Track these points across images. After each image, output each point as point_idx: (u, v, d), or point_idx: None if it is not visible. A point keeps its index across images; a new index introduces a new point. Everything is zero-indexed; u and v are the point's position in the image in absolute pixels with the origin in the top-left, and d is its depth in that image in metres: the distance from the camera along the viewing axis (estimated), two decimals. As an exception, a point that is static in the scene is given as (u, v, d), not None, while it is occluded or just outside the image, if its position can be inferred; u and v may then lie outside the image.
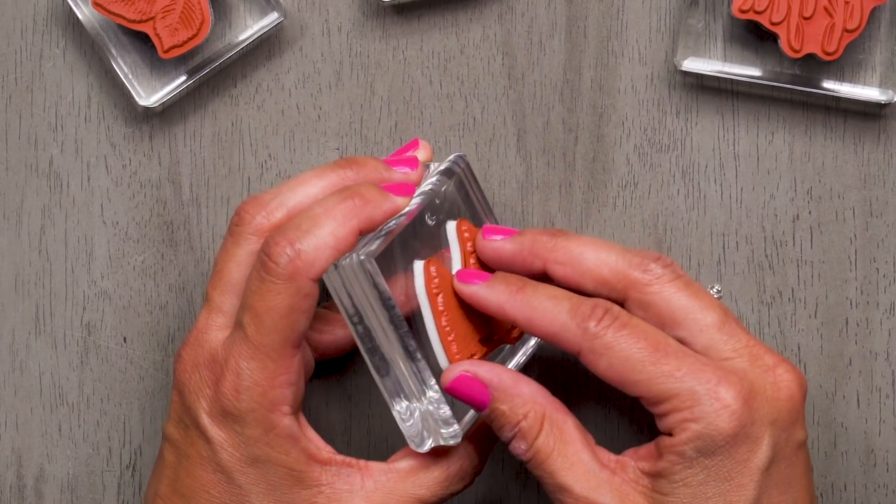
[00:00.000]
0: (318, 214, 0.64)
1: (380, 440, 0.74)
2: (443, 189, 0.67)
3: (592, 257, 0.65)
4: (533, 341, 0.71)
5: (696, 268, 0.74)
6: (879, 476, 0.74)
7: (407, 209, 0.66)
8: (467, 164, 0.69)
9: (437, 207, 0.67)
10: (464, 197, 0.69)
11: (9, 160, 0.75)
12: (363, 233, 0.64)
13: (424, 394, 0.65)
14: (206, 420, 0.64)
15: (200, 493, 0.65)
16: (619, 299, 0.64)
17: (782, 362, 0.64)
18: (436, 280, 0.65)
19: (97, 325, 0.75)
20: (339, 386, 0.75)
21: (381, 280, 0.63)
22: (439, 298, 0.65)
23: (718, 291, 0.68)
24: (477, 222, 0.70)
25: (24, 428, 0.75)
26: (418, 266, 0.65)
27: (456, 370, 0.64)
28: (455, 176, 0.68)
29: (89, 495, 0.75)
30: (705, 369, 0.62)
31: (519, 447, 0.64)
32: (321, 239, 0.63)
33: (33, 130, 0.75)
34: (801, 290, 0.74)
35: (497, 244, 0.66)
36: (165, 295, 0.75)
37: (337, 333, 0.70)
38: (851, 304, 0.74)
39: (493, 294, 0.65)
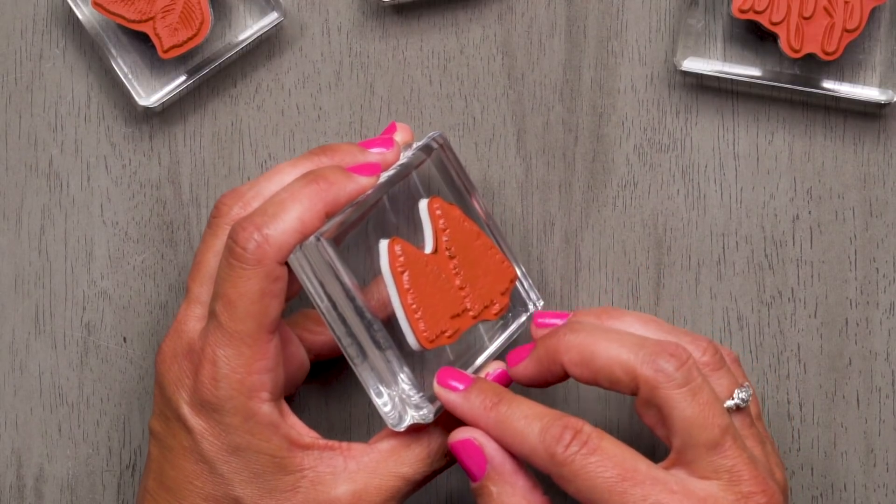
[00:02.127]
0: (283, 199, 0.64)
1: (380, 440, 0.74)
2: (417, 164, 0.68)
3: (604, 355, 0.63)
4: (514, 325, 0.70)
5: (696, 268, 0.74)
6: (879, 476, 0.74)
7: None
8: (446, 141, 0.69)
9: (413, 185, 0.68)
10: (444, 174, 0.69)
11: (9, 160, 0.75)
12: (329, 215, 0.65)
13: (396, 381, 0.65)
14: (186, 411, 0.64)
15: (185, 485, 0.65)
16: (634, 394, 0.63)
17: (762, 492, 0.62)
18: (401, 258, 0.65)
19: (97, 325, 0.75)
20: (339, 386, 0.75)
21: (336, 260, 0.63)
22: (405, 276, 0.65)
23: (744, 400, 0.65)
24: (459, 199, 0.69)
25: (24, 428, 0.75)
26: (383, 245, 0.65)
27: (465, 434, 0.64)
28: (433, 152, 0.68)
29: (89, 495, 0.75)
30: (672, 499, 0.61)
31: None
32: (288, 223, 0.64)
33: (33, 130, 0.75)
34: (801, 290, 0.74)
35: (520, 371, 0.66)
36: (165, 295, 0.75)
37: (329, 334, 0.70)
38: (851, 304, 0.74)
39: (468, 407, 0.65)
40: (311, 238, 0.64)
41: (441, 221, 0.67)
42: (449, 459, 0.67)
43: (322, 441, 0.66)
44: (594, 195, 0.74)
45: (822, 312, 0.74)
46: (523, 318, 0.70)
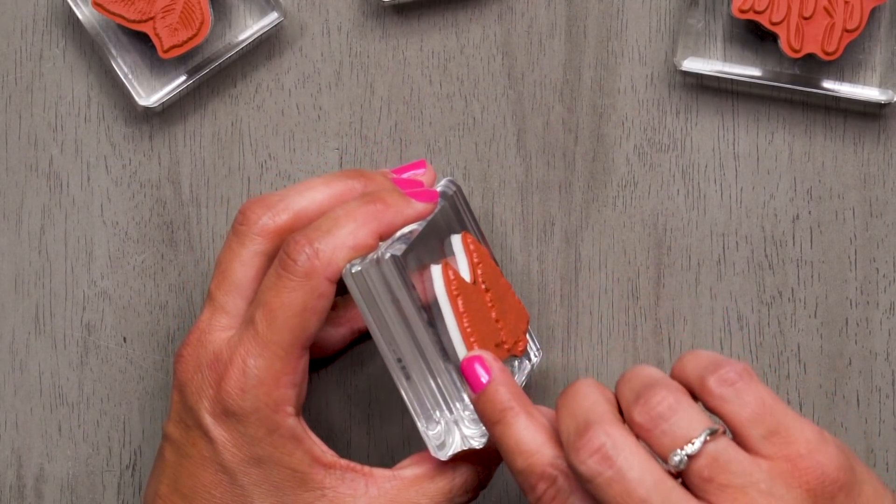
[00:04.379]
0: (339, 216, 0.64)
1: (380, 440, 0.75)
2: (440, 207, 0.68)
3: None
4: (519, 374, 0.70)
5: (696, 268, 0.74)
6: (879, 476, 0.74)
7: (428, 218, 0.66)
8: (459, 188, 0.69)
9: (435, 225, 0.67)
10: (457, 218, 0.69)
11: (9, 160, 0.75)
12: (383, 237, 0.64)
13: (460, 397, 0.64)
14: (208, 420, 0.64)
15: (202, 494, 0.65)
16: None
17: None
18: (454, 281, 0.65)
19: (97, 325, 0.75)
20: (339, 386, 0.75)
21: (409, 278, 0.63)
22: (459, 300, 0.65)
23: (677, 465, 0.58)
24: None
25: (24, 428, 0.75)
26: (436, 269, 0.65)
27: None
28: (449, 197, 0.68)
29: (89, 495, 0.75)
30: None
31: None
32: (339, 239, 0.63)
33: (33, 130, 0.75)
34: (801, 290, 0.74)
35: None
36: (165, 295, 0.75)
37: (327, 330, 0.70)
38: (851, 304, 0.74)
39: (478, 412, 0.63)
40: (381, 253, 0.63)
41: (474, 255, 0.67)
42: (470, 497, 0.67)
43: (343, 461, 0.65)
44: (594, 195, 0.74)
45: (822, 312, 0.74)
46: (527, 368, 0.70)
